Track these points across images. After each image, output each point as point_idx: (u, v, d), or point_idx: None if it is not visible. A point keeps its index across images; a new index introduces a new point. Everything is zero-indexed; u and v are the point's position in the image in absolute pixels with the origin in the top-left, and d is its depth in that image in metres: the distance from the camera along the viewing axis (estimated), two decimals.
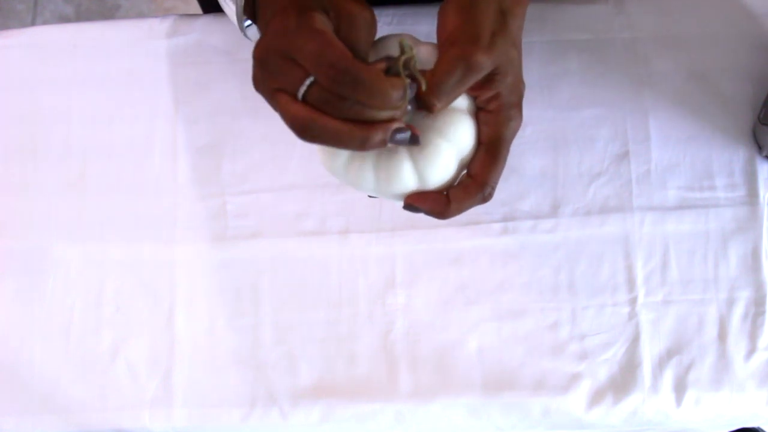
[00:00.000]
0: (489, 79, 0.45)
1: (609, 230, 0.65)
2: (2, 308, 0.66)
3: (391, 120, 0.42)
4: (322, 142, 0.42)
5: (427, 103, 0.44)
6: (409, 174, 0.46)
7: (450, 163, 0.46)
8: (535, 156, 0.67)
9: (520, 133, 0.67)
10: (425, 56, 0.46)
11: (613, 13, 0.69)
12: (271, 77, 0.43)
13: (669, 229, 0.65)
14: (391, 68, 0.43)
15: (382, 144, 0.43)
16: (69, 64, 0.71)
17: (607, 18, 0.69)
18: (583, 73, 0.68)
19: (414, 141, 0.44)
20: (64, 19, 1.59)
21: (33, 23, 1.59)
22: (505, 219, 0.66)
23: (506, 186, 0.66)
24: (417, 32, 0.69)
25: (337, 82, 0.40)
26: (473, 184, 0.47)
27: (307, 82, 0.41)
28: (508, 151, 0.48)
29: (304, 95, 0.42)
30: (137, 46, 0.71)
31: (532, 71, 0.68)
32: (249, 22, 0.51)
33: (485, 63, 0.44)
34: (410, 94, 0.43)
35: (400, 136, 0.43)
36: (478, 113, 0.47)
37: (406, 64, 0.43)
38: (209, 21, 0.71)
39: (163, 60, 0.70)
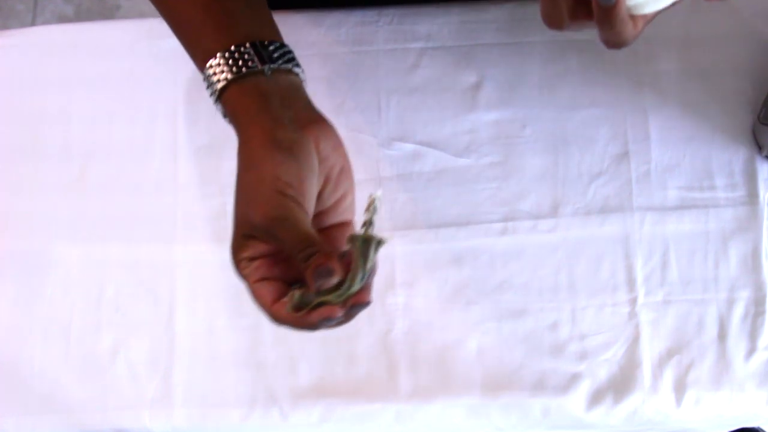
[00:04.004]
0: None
1: (609, 230, 0.65)
2: (2, 308, 0.66)
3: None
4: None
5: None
6: None
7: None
8: (535, 156, 0.67)
9: (520, 133, 0.68)
10: None
11: None
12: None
13: (669, 229, 0.65)
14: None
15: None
16: (69, 64, 0.71)
17: None
18: (583, 73, 0.68)
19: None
20: (64, 19, 1.58)
21: (33, 23, 1.59)
22: (505, 219, 0.66)
23: (506, 186, 0.66)
24: (417, 32, 0.70)
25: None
26: None
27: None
28: None
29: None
30: (137, 46, 0.71)
31: (532, 71, 0.69)
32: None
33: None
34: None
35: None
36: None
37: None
38: None
39: (164, 60, 0.70)
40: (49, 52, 0.71)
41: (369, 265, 0.42)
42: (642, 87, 0.68)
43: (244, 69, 0.46)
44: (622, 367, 0.63)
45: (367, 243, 0.42)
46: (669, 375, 0.63)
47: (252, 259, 0.44)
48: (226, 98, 0.47)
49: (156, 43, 0.71)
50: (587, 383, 0.63)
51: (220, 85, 0.47)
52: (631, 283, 0.64)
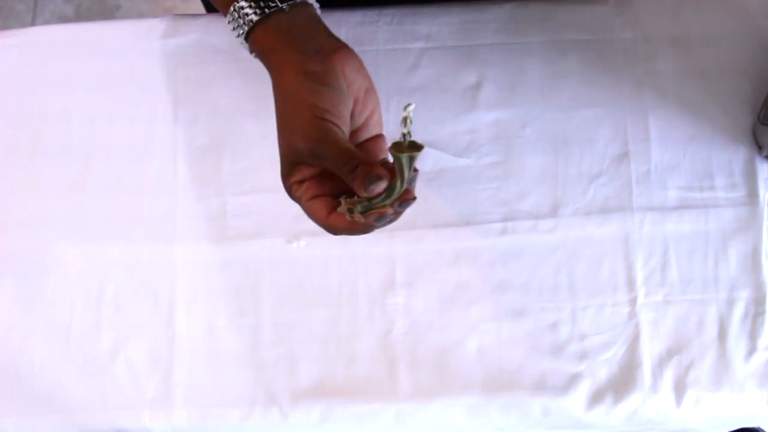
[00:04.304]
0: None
1: (609, 230, 0.65)
2: (2, 308, 0.66)
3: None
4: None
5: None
6: None
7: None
8: (535, 156, 0.67)
9: (520, 133, 0.68)
10: None
11: (613, 13, 0.69)
12: None
13: (669, 229, 0.65)
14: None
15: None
16: (69, 64, 0.71)
17: (607, 18, 0.69)
18: (583, 73, 0.68)
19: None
20: (64, 19, 1.59)
21: (33, 23, 1.59)
22: (505, 219, 0.66)
23: (506, 186, 0.66)
24: (417, 32, 0.70)
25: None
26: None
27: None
28: None
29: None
30: (137, 46, 0.71)
31: (532, 71, 0.69)
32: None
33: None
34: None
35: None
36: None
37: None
38: (209, 21, 0.71)
39: (163, 60, 0.70)
40: (49, 52, 0.71)
41: (412, 168, 0.46)
42: (642, 87, 0.68)
43: (267, 10, 0.51)
44: (622, 367, 0.63)
45: (410, 148, 0.46)
46: (669, 375, 0.63)
47: (301, 182, 0.49)
48: (253, 38, 0.52)
49: (156, 43, 0.71)
50: (587, 383, 0.63)
51: (249, 26, 0.51)
52: (631, 283, 0.64)
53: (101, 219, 0.67)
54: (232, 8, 0.52)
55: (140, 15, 1.59)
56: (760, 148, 0.66)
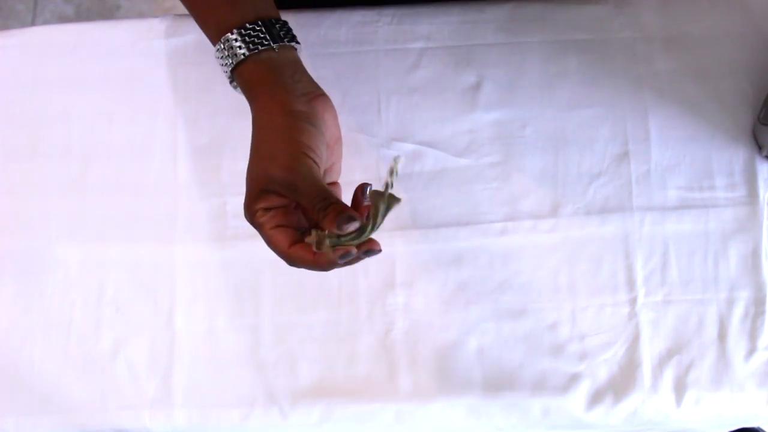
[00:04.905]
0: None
1: (609, 230, 0.65)
2: (2, 308, 0.66)
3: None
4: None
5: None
6: None
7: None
8: (535, 156, 0.67)
9: (520, 133, 0.68)
10: None
11: (613, 13, 0.69)
12: None
13: (669, 229, 0.65)
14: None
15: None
16: (69, 64, 0.71)
17: (607, 18, 0.69)
18: (583, 73, 0.68)
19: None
20: (64, 19, 1.59)
21: (33, 23, 1.59)
22: (505, 219, 0.66)
23: (506, 186, 0.66)
24: (417, 32, 0.70)
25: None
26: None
27: None
28: None
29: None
30: (137, 46, 0.71)
31: (532, 71, 0.69)
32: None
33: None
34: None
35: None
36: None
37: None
38: None
39: (163, 60, 0.70)
40: (49, 52, 0.71)
41: (385, 217, 0.49)
42: (642, 87, 0.68)
43: (259, 47, 0.53)
44: (622, 367, 0.63)
45: (389, 199, 0.49)
46: (669, 375, 0.63)
47: (267, 210, 0.50)
48: (240, 71, 0.54)
49: (156, 43, 0.71)
50: (587, 383, 0.63)
51: (238, 59, 0.53)
52: (631, 283, 0.64)
53: (101, 219, 0.67)
54: (222, 39, 0.53)
55: (140, 15, 1.59)
56: (760, 148, 0.66)
